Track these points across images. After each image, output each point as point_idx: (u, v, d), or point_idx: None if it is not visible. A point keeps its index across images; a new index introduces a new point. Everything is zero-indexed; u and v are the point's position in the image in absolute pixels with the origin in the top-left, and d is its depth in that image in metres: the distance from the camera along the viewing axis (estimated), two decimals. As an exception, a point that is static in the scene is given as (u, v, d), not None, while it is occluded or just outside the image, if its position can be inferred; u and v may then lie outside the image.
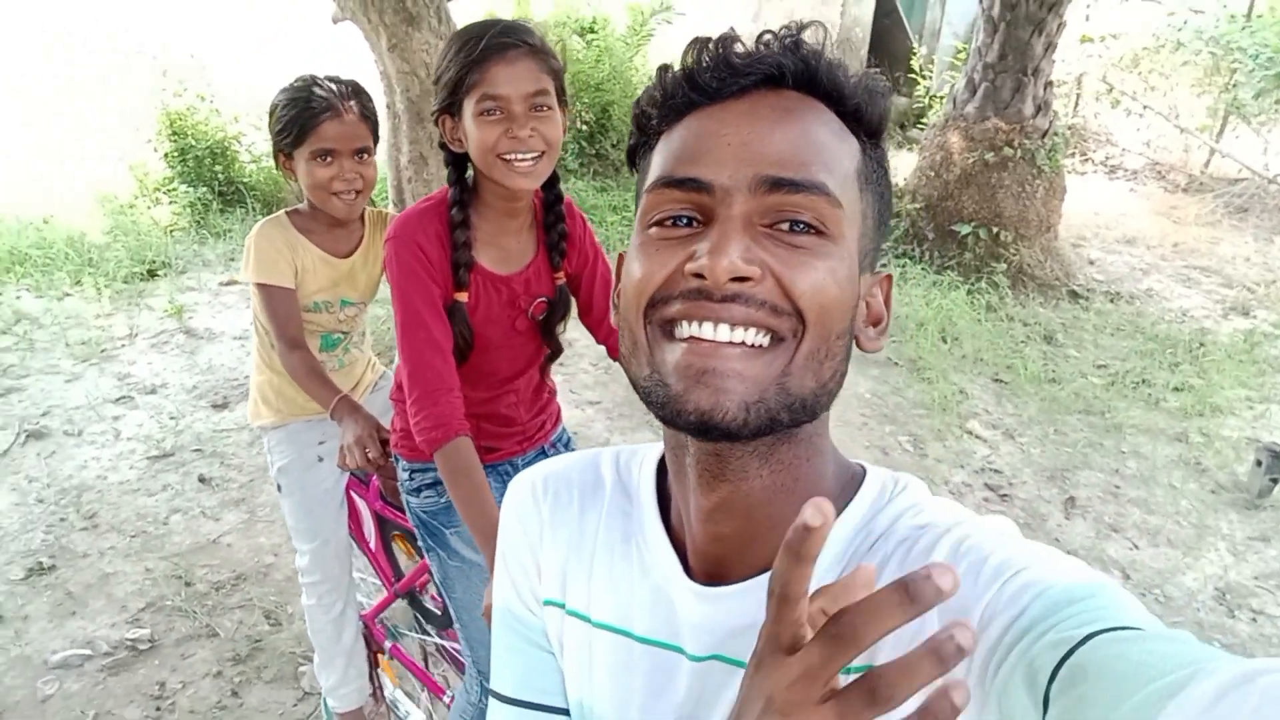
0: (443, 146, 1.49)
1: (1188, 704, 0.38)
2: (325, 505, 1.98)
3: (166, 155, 6.26)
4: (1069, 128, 8.41)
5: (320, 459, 1.96)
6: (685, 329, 0.57)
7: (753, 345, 0.56)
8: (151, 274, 5.24)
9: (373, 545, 2.06)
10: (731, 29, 0.61)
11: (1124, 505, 3.55)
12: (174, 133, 6.21)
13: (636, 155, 0.68)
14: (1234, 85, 7.85)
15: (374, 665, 2.24)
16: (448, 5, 3.87)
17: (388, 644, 2.19)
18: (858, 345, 0.65)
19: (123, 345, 4.43)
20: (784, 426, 0.58)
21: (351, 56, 4.27)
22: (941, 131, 5.93)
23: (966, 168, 5.69)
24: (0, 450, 3.47)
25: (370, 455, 1.64)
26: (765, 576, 0.60)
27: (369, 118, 1.78)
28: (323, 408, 1.78)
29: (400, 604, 2.17)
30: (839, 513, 0.64)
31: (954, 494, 3.59)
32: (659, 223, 0.60)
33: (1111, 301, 5.65)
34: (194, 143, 6.22)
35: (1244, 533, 3.40)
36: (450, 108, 1.44)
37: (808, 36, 0.61)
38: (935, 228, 5.89)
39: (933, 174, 5.89)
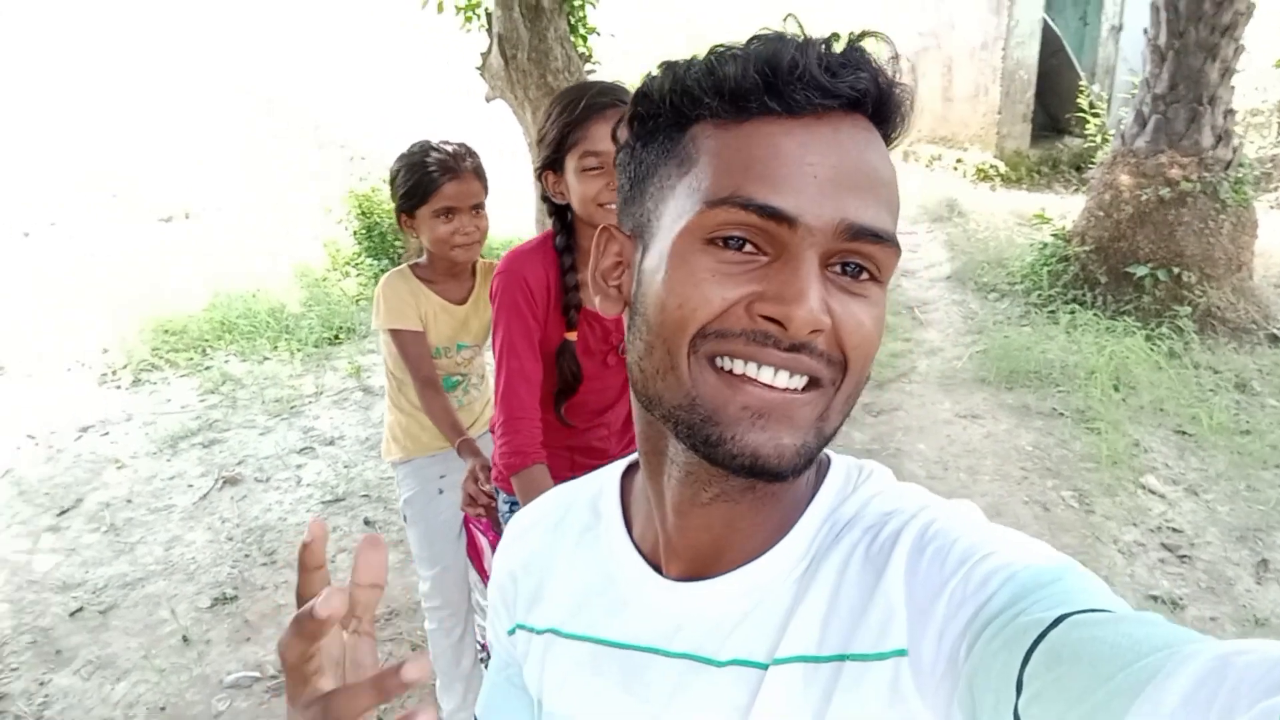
0: (545, 199, 1.61)
1: (1165, 689, 0.38)
2: (445, 535, 2.12)
3: (355, 233, 6.91)
4: (1271, 159, 7.71)
5: (441, 491, 2.11)
6: (736, 365, 0.55)
7: (799, 390, 0.56)
8: (337, 339, 5.76)
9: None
10: (806, 33, 0.56)
11: (1328, 569, 3.15)
12: (361, 212, 6.86)
13: (655, 124, 0.61)
14: None
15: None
16: (588, 79, 4.13)
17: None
18: None
19: (309, 402, 4.89)
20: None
21: (504, 130, 4.60)
22: (1109, 169, 5.59)
23: (1139, 205, 5.33)
24: (201, 494, 3.91)
25: (471, 492, 1.76)
26: (735, 573, 0.63)
27: (481, 176, 1.95)
28: (450, 445, 1.93)
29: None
30: (806, 505, 0.64)
31: (1124, 554, 3.31)
32: (712, 240, 0.55)
33: (1321, 345, 5.07)
34: (378, 221, 6.85)
35: None
36: (553, 164, 1.55)
37: (870, 48, 0.56)
38: (1108, 270, 5.52)
39: (1101, 214, 5.56)
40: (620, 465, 0.76)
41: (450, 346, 2.07)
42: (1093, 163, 6.43)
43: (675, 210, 0.58)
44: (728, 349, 0.55)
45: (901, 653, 0.54)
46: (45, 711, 2.62)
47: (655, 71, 0.60)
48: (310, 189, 7.67)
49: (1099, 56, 9.36)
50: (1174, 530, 3.47)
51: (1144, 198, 5.30)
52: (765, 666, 0.59)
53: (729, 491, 0.61)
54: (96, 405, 4.87)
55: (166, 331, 5.75)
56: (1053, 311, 5.55)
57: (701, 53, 0.58)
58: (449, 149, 1.93)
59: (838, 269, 0.55)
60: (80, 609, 3.10)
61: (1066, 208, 6.56)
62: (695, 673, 0.63)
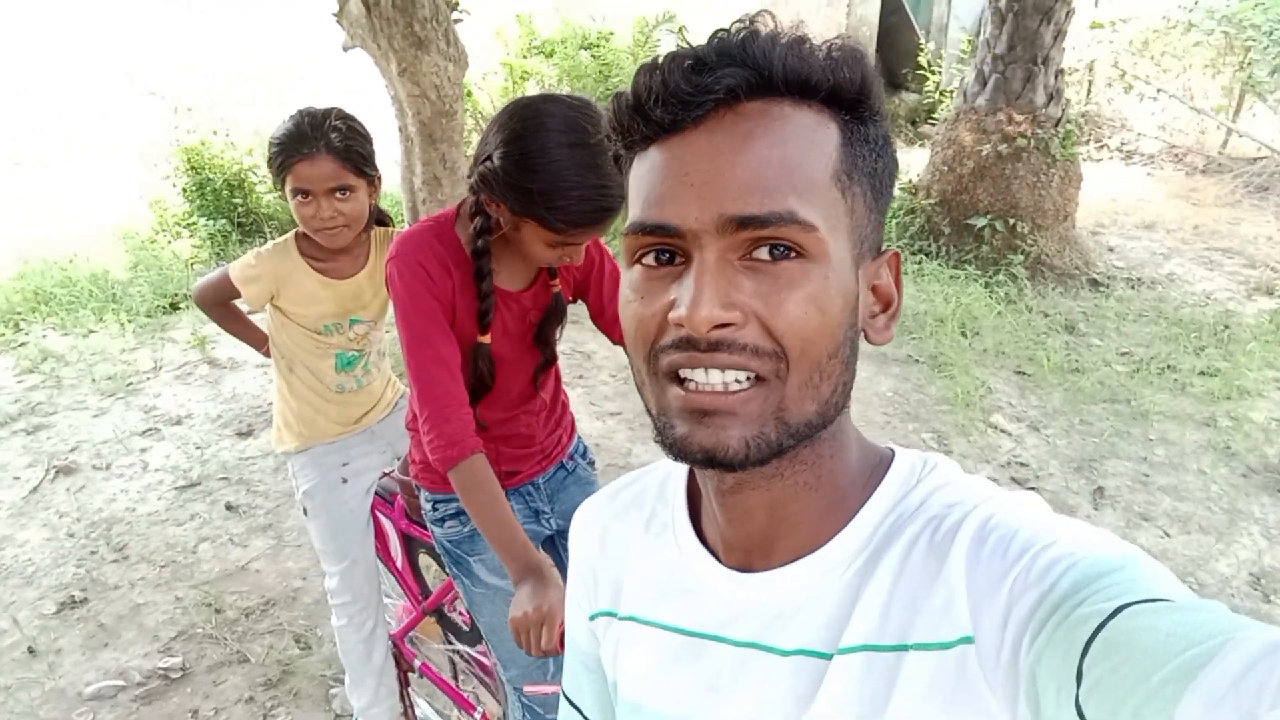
0: (477, 206, 1.43)
1: (1217, 674, 0.39)
2: (351, 526, 2.00)
3: (184, 190, 6.36)
4: (1082, 115, 8.34)
5: (344, 480, 1.98)
6: (681, 371, 0.58)
7: (741, 388, 0.57)
8: (174, 307, 5.31)
9: (399, 564, 2.06)
10: (678, 44, 0.58)
11: (1153, 493, 3.49)
12: (191, 167, 6.31)
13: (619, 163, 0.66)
14: (1249, 64, 7.74)
15: (404, 684, 2.24)
16: (455, 28, 3.91)
17: (417, 662, 2.19)
18: (865, 339, 0.63)
19: (147, 379, 4.49)
20: (790, 449, 0.59)
21: (363, 82, 4.32)
22: (953, 126, 5.89)
23: (980, 160, 5.65)
24: (30, 487, 3.52)
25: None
26: (795, 564, 0.64)
27: (343, 155, 1.72)
28: (253, 347, 2.07)
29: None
30: (866, 499, 0.65)
31: (981, 489, 3.55)
32: (640, 260, 0.60)
33: (1133, 288, 5.58)
34: (211, 176, 6.32)
35: (1277, 516, 3.33)
36: None
37: (760, 25, 0.57)
38: (951, 222, 5.85)
39: (945, 168, 5.86)
40: None
41: (342, 322, 1.92)
42: (931, 118, 6.75)
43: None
44: (668, 362, 0.58)
45: (969, 640, 0.55)
46: None
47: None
48: (128, 144, 6.94)
49: (933, 15, 9.79)
50: (1021, 464, 3.76)
51: (984, 153, 5.62)
52: (829, 656, 0.60)
53: (748, 480, 0.63)
54: (-112, 392, 4.29)
55: (-33, 305, 5.13)
56: (904, 261, 5.83)
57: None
58: (309, 122, 1.71)
59: (764, 253, 0.56)
60: (-104, 627, 2.74)
61: (908, 161, 6.86)
62: (760, 660, 0.64)
